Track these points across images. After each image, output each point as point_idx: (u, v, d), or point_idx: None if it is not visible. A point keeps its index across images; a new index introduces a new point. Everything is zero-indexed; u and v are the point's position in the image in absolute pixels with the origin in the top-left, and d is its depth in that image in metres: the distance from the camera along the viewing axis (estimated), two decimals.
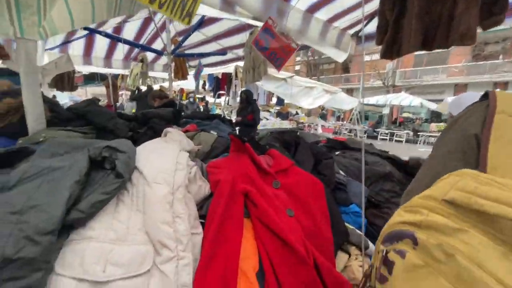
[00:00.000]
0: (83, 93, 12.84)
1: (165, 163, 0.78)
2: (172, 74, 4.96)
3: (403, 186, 1.63)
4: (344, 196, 1.26)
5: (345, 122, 16.35)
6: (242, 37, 4.08)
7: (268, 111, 12.54)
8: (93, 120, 1.58)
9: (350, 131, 14.06)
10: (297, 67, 25.43)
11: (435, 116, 17.63)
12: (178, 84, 12.10)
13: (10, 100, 1.44)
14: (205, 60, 5.92)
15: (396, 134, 14.29)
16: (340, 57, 3.44)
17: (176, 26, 4.55)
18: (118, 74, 7.28)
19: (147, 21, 4.14)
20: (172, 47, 4.31)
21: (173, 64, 4.74)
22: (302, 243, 0.78)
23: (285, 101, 11.47)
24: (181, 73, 4.86)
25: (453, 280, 0.36)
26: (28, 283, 0.47)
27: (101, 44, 4.80)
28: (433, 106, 13.61)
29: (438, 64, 18.20)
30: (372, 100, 15.28)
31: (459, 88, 17.18)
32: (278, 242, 0.76)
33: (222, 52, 4.77)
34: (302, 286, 0.72)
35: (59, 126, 1.51)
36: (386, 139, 14.57)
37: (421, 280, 0.40)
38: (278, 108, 12.32)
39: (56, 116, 1.53)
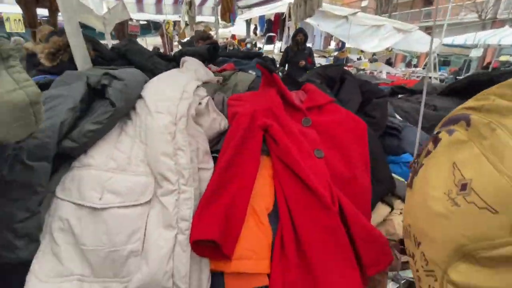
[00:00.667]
0: (143, 44, 13.59)
1: (170, 92, 0.70)
2: (219, 17, 4.70)
3: None
4: (395, 143, 1.04)
5: (418, 68, 13.88)
6: None
7: (324, 56, 11.37)
8: (132, 58, 1.58)
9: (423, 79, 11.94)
10: (364, 3, 21.62)
11: None
12: (229, 30, 11.71)
13: (57, 39, 1.51)
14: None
15: None
16: None
17: None
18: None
19: None
20: None
21: (219, 7, 4.45)
22: (328, 187, 0.65)
23: (346, 45, 10.09)
24: (228, 15, 4.56)
25: (485, 150, 0.37)
26: (28, 204, 0.49)
27: None
28: None
29: None
30: (459, 39, 12.31)
31: None
32: (298, 183, 0.66)
33: None
34: (321, 233, 0.62)
35: (104, 65, 1.57)
36: None
37: (457, 151, 0.42)
38: (336, 54, 11.02)
39: (100, 55, 1.58)
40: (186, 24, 5.58)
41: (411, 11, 19.49)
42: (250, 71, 1.67)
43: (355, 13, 7.37)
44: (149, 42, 14.06)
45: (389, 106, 1.18)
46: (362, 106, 1.05)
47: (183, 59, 1.04)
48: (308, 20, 7.05)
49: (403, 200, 0.94)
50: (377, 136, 0.98)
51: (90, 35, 1.46)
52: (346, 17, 7.05)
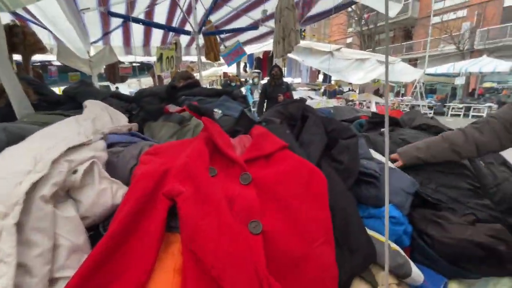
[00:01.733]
0: (138, 85, 13.93)
1: (16, 163, 0.50)
2: (203, 56, 4.79)
3: (481, 179, 1.08)
4: (373, 193, 0.85)
5: (405, 97, 14.26)
6: (273, 4, 3.60)
7: (314, 89, 11.67)
8: (82, 101, 1.44)
9: (413, 107, 12.17)
10: (349, 40, 23.04)
11: None
12: (221, 69, 12.14)
13: None
14: (241, 38, 5.61)
15: (474, 109, 11.86)
16: (392, 9, 2.72)
17: (206, 3, 4.30)
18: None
19: (174, 3, 3.99)
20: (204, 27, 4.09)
21: (202, 44, 4.55)
22: (258, 283, 0.44)
23: (333, 78, 10.37)
24: (213, 54, 4.65)
25: None
26: None
27: (137, 32, 4.88)
28: None
29: None
30: (442, 69, 12.89)
31: None
32: (208, 282, 0.44)
33: (253, 26, 4.37)
34: None
35: (49, 109, 1.42)
36: (460, 114, 12.25)
37: None
38: (325, 85, 11.34)
39: (44, 99, 1.44)
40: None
41: (393, 45, 20.70)
42: (215, 110, 1.52)
43: (339, 49, 7.71)
44: (144, 82, 14.52)
45: (364, 145, 1.01)
46: (328, 148, 0.88)
47: (84, 103, 0.88)
48: (293, 56, 7.33)
49: (392, 272, 0.72)
50: (349, 186, 0.80)
51: (30, 78, 1.32)
52: (330, 52, 7.35)
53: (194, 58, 6.46)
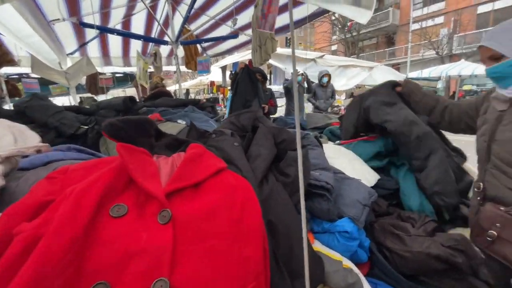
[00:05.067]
0: (122, 95, 13.74)
1: None
2: (183, 66, 4.75)
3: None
4: (325, 207, 0.80)
5: None
6: (251, 13, 3.60)
7: None
8: (32, 115, 1.36)
9: None
10: (334, 47, 23.56)
11: None
12: (207, 78, 12.11)
13: None
14: (222, 47, 5.61)
15: None
16: (363, 16, 2.76)
17: (183, 11, 4.27)
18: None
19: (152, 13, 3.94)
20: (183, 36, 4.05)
21: (181, 54, 4.51)
22: None
23: None
24: (194, 63, 4.61)
25: None
26: None
27: (115, 42, 4.80)
28: None
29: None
30: (424, 73, 13.29)
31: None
32: None
33: (233, 35, 4.36)
34: None
35: None
36: None
37: None
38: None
39: None
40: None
41: (376, 52, 21.30)
42: (179, 121, 1.46)
43: (322, 56, 7.83)
44: (129, 92, 14.34)
45: (321, 155, 0.97)
46: (280, 160, 0.83)
47: None
48: (277, 64, 7.39)
49: None
50: (296, 201, 0.74)
51: None
52: (314, 59, 7.46)
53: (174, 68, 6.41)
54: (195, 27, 4.08)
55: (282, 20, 3.72)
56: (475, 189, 1.00)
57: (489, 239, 0.86)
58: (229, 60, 8.91)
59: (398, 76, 10.58)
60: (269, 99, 3.94)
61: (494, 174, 0.94)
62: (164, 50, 5.23)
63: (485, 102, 1.11)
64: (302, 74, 5.37)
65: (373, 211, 1.01)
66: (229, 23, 4.17)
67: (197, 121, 1.51)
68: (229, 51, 5.87)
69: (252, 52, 3.47)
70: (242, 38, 4.71)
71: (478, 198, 0.98)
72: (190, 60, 4.42)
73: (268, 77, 6.91)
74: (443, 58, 16.68)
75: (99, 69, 5.39)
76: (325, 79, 5.53)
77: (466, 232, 1.09)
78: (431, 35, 16.73)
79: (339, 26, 20.48)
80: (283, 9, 3.32)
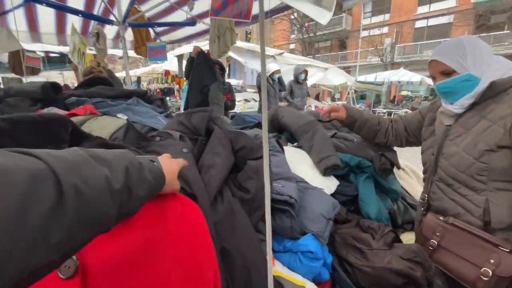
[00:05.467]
0: (60, 79, 12.00)
1: None
2: (126, 49, 4.27)
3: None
4: (288, 224, 0.71)
5: (340, 102, 15.59)
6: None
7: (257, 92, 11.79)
8: None
9: None
10: (292, 46, 24.20)
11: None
12: (161, 66, 11.28)
13: None
14: (178, 34, 5.19)
15: (394, 113, 13.68)
16: (323, 17, 2.78)
17: None
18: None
19: None
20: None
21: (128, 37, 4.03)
22: None
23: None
24: (144, 49, 4.16)
25: None
26: None
27: (47, 16, 4.06)
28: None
29: (440, 38, 17.17)
30: (370, 77, 14.53)
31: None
32: None
33: (190, 22, 4.05)
34: None
35: None
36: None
37: None
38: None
39: None
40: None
41: (330, 54, 22.54)
42: (119, 115, 1.23)
43: (281, 54, 7.91)
44: (67, 76, 12.58)
45: (283, 162, 0.87)
46: (239, 170, 0.71)
47: None
48: (236, 57, 7.21)
49: None
50: (256, 221, 0.63)
51: None
52: (273, 56, 7.48)
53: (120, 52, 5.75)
54: (147, 8, 3.66)
55: None
56: (420, 200, 1.05)
57: (430, 248, 0.92)
58: (186, 49, 8.41)
59: (349, 79, 11.34)
60: (227, 93, 3.77)
61: (439, 186, 0.98)
62: (110, 31, 4.61)
63: (429, 113, 1.14)
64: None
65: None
66: (186, 8, 3.85)
67: (143, 116, 1.30)
68: (187, 39, 5.47)
69: (210, 42, 3.25)
70: (200, 26, 4.42)
71: (422, 209, 1.03)
72: (141, 44, 3.98)
73: (227, 71, 6.69)
74: (386, 65, 18.46)
75: (26, 46, 4.54)
76: (302, 76, 5.31)
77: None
78: (377, 43, 18.32)
79: (298, 26, 21.05)
80: None
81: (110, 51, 5.20)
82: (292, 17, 20.12)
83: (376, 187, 1.17)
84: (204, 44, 7.07)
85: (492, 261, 0.78)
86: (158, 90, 13.66)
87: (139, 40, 3.98)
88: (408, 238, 1.15)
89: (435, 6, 17.42)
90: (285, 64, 7.83)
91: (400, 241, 0.94)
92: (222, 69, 3.47)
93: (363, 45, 18.73)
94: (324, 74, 7.99)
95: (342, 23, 20.63)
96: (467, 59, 0.90)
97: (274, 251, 0.78)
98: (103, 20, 3.47)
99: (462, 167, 0.89)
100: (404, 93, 17.86)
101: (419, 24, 18.40)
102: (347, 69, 19.34)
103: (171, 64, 9.98)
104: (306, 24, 20.25)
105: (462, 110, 0.94)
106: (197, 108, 0.82)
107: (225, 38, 2.86)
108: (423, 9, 17.92)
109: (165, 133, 0.72)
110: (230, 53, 6.44)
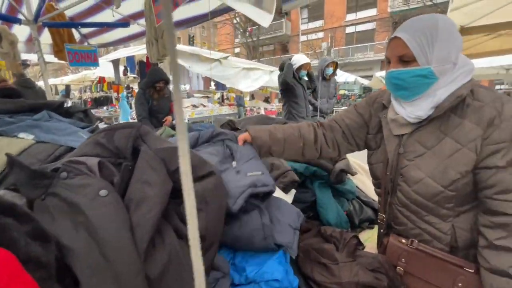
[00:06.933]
0: None
1: None
2: (42, 53, 3.67)
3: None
4: (257, 222, 0.60)
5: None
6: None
7: (207, 97, 11.52)
8: None
9: None
10: (237, 50, 24.41)
11: (368, 91, 18.94)
12: (93, 72, 10.12)
13: None
14: (110, 37, 4.67)
15: (335, 111, 14.84)
16: (264, 19, 2.78)
17: None
18: None
19: None
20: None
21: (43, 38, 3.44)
22: None
23: (228, 85, 10.42)
24: (65, 53, 3.59)
25: None
26: None
27: None
28: (365, 82, 14.39)
29: (367, 42, 19.35)
30: None
31: (384, 64, 18.65)
32: None
33: (123, 22, 3.65)
34: None
35: None
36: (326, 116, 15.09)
37: None
38: (221, 92, 11.41)
39: None
40: None
41: (274, 58, 23.44)
42: (21, 135, 0.97)
43: (226, 57, 7.81)
44: None
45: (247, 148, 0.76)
46: (179, 196, 0.57)
47: None
48: (180, 61, 6.86)
49: None
50: (209, 262, 0.50)
51: None
52: (218, 60, 7.34)
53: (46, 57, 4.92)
54: (66, 5, 3.16)
55: (183, 13, 3.36)
56: (379, 221, 0.94)
57: (399, 273, 0.83)
58: (122, 53, 7.71)
59: None
60: (171, 103, 3.38)
61: (402, 211, 0.86)
62: (22, 32, 3.85)
63: (372, 117, 0.96)
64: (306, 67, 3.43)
65: None
66: (114, 7, 3.45)
67: (57, 133, 1.04)
68: (121, 42, 4.97)
69: (148, 45, 2.97)
70: (135, 28, 4.03)
71: (381, 230, 0.93)
72: (62, 48, 3.42)
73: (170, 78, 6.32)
74: None
75: None
76: (330, 70, 3.72)
77: (374, 233, 1.12)
78: (316, 47, 19.73)
79: (241, 30, 21.32)
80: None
81: (25, 56, 4.39)
82: (235, 21, 20.30)
83: (332, 190, 1.14)
84: (142, 48, 6.56)
85: (459, 284, 0.74)
86: (89, 100, 12.25)
87: (59, 43, 3.43)
88: (367, 237, 1.15)
89: (361, 14, 19.60)
90: (232, 67, 7.78)
91: (361, 243, 0.91)
92: (166, 82, 3.17)
93: (303, 48, 19.96)
94: (270, 77, 8.17)
95: (282, 28, 21.65)
96: (434, 49, 0.72)
97: (235, 285, 0.66)
98: (7, 18, 2.88)
99: (429, 195, 0.78)
100: (342, 92, 19.62)
101: (349, 29, 20.43)
102: None
103: (106, 70, 9.00)
104: (249, 28, 20.65)
105: (418, 120, 0.79)
106: (121, 123, 0.64)
107: (163, 41, 2.63)
108: (351, 16, 19.97)
109: (74, 167, 0.52)
110: None
